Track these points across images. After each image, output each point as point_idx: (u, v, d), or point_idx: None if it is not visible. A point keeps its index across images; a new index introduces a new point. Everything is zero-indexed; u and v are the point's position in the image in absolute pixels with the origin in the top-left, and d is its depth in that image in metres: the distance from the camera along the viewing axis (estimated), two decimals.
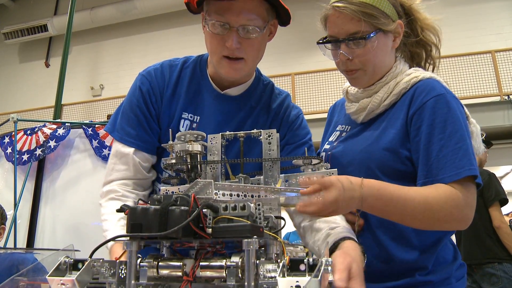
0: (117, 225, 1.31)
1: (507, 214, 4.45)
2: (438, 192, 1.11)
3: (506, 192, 3.76)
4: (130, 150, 1.40)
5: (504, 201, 3.70)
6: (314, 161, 1.17)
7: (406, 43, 1.39)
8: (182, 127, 1.43)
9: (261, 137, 1.22)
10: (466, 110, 1.29)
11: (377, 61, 1.31)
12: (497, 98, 8.15)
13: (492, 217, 3.61)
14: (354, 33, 1.26)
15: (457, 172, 1.13)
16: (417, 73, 1.31)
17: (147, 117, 1.42)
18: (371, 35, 1.26)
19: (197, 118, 1.44)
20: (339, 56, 1.33)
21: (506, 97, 7.99)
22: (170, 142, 1.21)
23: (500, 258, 3.53)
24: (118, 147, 1.42)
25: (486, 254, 3.58)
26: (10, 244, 4.04)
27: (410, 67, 1.38)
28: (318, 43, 1.37)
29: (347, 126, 1.45)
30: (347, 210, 1.09)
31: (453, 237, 5.23)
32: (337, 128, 1.49)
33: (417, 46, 1.40)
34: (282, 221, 1.07)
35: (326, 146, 1.46)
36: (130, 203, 1.31)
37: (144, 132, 1.41)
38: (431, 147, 1.17)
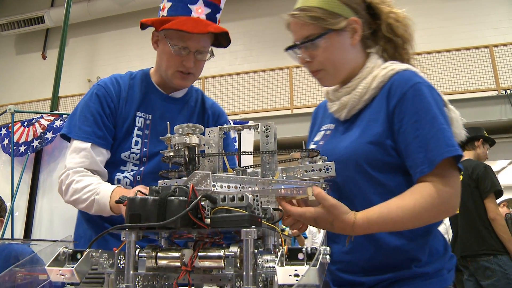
0: (105, 183, 1.53)
1: (499, 204, 4.47)
2: (423, 196, 1.14)
3: (503, 186, 3.78)
4: (87, 145, 1.60)
5: (499, 193, 3.73)
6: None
7: (376, 38, 1.41)
8: (138, 123, 1.71)
9: (258, 129, 1.22)
10: (444, 97, 1.30)
11: (336, 60, 1.36)
12: (495, 93, 8.16)
13: (487, 208, 3.62)
14: (308, 37, 1.33)
15: (446, 151, 1.15)
16: (393, 66, 1.32)
17: (102, 116, 1.66)
18: (321, 36, 1.31)
19: (149, 116, 1.73)
20: (300, 60, 1.40)
21: (504, 92, 7.99)
22: (168, 135, 1.21)
23: (496, 250, 3.54)
24: (76, 144, 1.62)
25: (482, 246, 3.59)
26: (7, 236, 4.04)
27: (385, 62, 1.39)
28: (285, 50, 1.43)
29: (331, 125, 1.47)
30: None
31: (448, 231, 5.21)
32: (322, 128, 1.51)
33: (386, 41, 1.40)
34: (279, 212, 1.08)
35: (312, 146, 1.47)
36: (98, 182, 1.53)
37: (99, 129, 1.64)
38: (415, 134, 1.20)
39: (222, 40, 1.72)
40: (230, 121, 2.68)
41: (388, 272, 1.25)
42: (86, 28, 12.21)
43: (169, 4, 1.62)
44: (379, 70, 1.33)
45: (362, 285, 1.27)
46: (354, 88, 1.35)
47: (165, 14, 1.62)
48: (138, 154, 1.70)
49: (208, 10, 1.61)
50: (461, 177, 3.82)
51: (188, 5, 1.60)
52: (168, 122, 1.31)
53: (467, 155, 4.04)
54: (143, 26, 1.71)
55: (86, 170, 1.58)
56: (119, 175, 1.68)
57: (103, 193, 1.48)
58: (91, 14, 11.78)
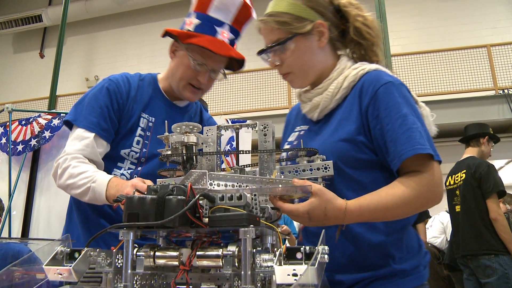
0: (101, 172, 1.55)
1: None
2: (410, 184, 1.17)
3: None
4: (91, 134, 1.63)
5: (502, 193, 3.69)
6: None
7: (346, 41, 1.45)
8: (142, 123, 1.75)
9: (256, 128, 1.22)
10: (414, 95, 1.34)
11: (303, 62, 1.40)
12: (492, 92, 8.17)
13: (489, 208, 3.60)
14: (276, 41, 1.37)
15: (416, 148, 1.17)
16: (364, 66, 1.36)
17: (109, 110, 1.69)
18: (287, 40, 1.35)
19: (152, 119, 1.78)
20: (270, 63, 1.44)
21: (501, 91, 7.99)
22: (166, 133, 1.21)
23: (497, 250, 3.53)
24: (80, 132, 1.64)
25: (483, 246, 3.58)
26: (5, 235, 4.03)
27: (355, 63, 1.42)
28: (257, 54, 1.47)
29: (304, 126, 1.50)
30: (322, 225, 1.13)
31: (446, 230, 5.22)
32: (296, 129, 1.53)
33: (354, 43, 1.44)
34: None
35: (286, 147, 1.49)
36: (95, 170, 1.55)
37: (104, 122, 1.67)
38: (391, 129, 1.22)
39: (234, 64, 1.81)
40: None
41: (367, 271, 1.26)
42: (84, 27, 12.18)
43: (196, 21, 1.68)
44: (350, 70, 1.36)
45: (341, 284, 1.28)
46: (326, 88, 1.38)
47: (191, 29, 1.68)
48: (138, 154, 1.73)
49: (231, 36, 1.70)
50: (464, 175, 3.78)
51: (215, 26, 1.67)
52: (166, 121, 1.31)
53: (471, 151, 4.01)
54: (165, 34, 1.75)
55: (84, 158, 1.60)
56: (116, 171, 1.70)
57: (99, 181, 1.49)
58: (89, 13, 11.75)
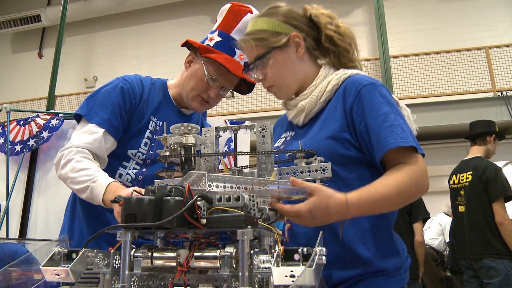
0: (103, 172, 1.56)
1: None
2: (401, 174, 1.22)
3: None
4: (101, 130, 1.66)
5: (509, 198, 3.64)
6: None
7: (321, 49, 1.51)
8: (151, 126, 1.80)
9: (254, 130, 1.22)
10: (395, 97, 1.40)
11: (284, 74, 1.46)
12: (491, 94, 8.18)
13: (495, 213, 3.56)
14: (256, 57, 1.45)
15: (399, 141, 1.23)
16: (346, 71, 1.43)
17: (121, 108, 1.72)
18: (265, 54, 1.43)
19: (160, 123, 1.83)
20: (255, 79, 1.52)
21: (500, 93, 8.01)
22: (164, 134, 1.21)
23: (501, 254, 3.51)
24: (90, 127, 1.66)
25: (487, 249, 3.55)
26: (2, 235, 4.03)
27: (337, 70, 1.49)
28: (242, 72, 1.58)
29: (291, 132, 1.55)
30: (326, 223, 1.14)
31: (444, 232, 5.23)
32: (282, 136, 1.59)
33: (330, 51, 1.50)
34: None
35: None
36: (97, 169, 1.57)
37: (115, 119, 1.70)
38: (373, 125, 1.28)
39: (243, 86, 1.88)
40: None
41: (352, 269, 1.28)
42: (82, 27, 12.18)
43: (218, 39, 1.77)
44: (333, 75, 1.43)
45: (327, 282, 1.30)
46: (310, 94, 1.44)
47: (211, 45, 1.76)
48: (144, 155, 1.78)
49: (246, 59, 1.70)
50: (470, 177, 3.76)
51: (235, 48, 1.75)
52: (164, 122, 1.32)
53: (477, 150, 3.97)
54: (185, 45, 1.82)
55: (90, 154, 1.62)
56: (121, 170, 1.75)
57: (99, 182, 1.50)
58: (87, 13, 11.74)
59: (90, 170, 1.54)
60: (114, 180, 1.53)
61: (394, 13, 9.68)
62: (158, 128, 1.82)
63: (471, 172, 3.80)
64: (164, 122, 1.32)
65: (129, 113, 1.75)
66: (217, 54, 1.72)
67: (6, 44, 13.07)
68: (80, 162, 1.57)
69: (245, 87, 1.88)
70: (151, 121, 1.80)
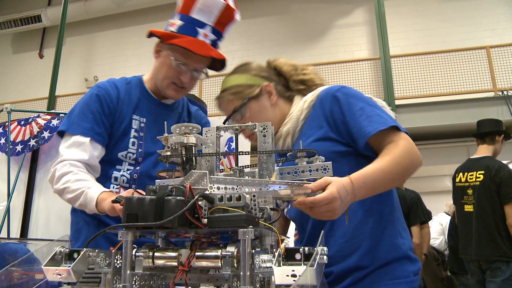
0: (97, 184, 1.60)
1: None
2: (394, 148, 1.30)
3: None
4: (87, 139, 1.70)
5: None
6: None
7: (291, 87, 1.66)
8: (134, 125, 1.82)
9: (255, 129, 1.22)
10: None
11: (263, 119, 1.54)
12: (491, 94, 8.18)
13: (506, 214, 3.52)
14: (234, 110, 1.58)
15: (378, 127, 1.33)
16: (317, 89, 1.55)
17: (101, 115, 1.75)
18: (242, 106, 1.56)
19: (143, 119, 1.86)
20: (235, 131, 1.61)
21: (500, 93, 8.01)
22: (165, 134, 1.21)
23: (509, 256, 3.48)
24: (76, 139, 1.70)
25: (496, 252, 3.53)
26: (4, 235, 4.03)
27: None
28: (222, 125, 1.68)
29: (282, 158, 1.57)
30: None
31: (445, 231, 5.21)
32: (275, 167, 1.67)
33: (299, 87, 1.65)
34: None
35: None
36: (93, 181, 1.62)
37: (98, 126, 1.74)
38: (352, 119, 1.40)
39: (217, 64, 1.88)
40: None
41: (353, 261, 1.36)
42: (83, 27, 12.18)
43: (180, 23, 1.75)
44: (306, 97, 1.56)
45: (330, 274, 1.37)
46: (290, 120, 1.55)
47: (174, 30, 1.74)
48: (135, 154, 1.79)
49: (213, 37, 1.77)
50: (482, 176, 3.72)
51: (197, 27, 1.74)
52: (165, 122, 1.31)
53: (486, 149, 3.92)
54: (150, 35, 1.81)
55: (83, 166, 1.66)
56: (116, 173, 1.77)
57: (94, 189, 1.54)
58: (88, 13, 11.75)
59: (85, 181, 1.59)
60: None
61: (395, 13, 9.68)
62: (142, 125, 1.84)
63: (482, 172, 3.74)
64: (165, 122, 1.32)
65: (109, 118, 1.78)
66: (180, 38, 1.71)
67: (7, 45, 13.08)
68: (76, 174, 1.62)
69: (219, 64, 1.88)
70: (133, 120, 1.82)
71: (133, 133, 1.80)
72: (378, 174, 1.23)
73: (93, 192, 1.53)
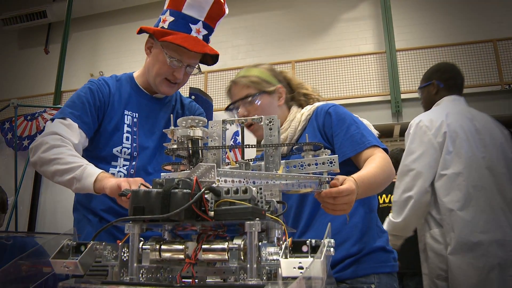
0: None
1: None
2: (378, 160, 1.45)
3: None
4: (75, 124, 1.70)
5: None
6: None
7: (294, 97, 1.84)
8: (127, 121, 1.84)
9: (261, 122, 1.22)
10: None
11: (268, 115, 1.56)
12: (498, 87, 8.13)
13: None
14: (246, 95, 1.70)
15: (357, 149, 1.52)
16: (314, 104, 1.74)
17: (91, 105, 1.77)
18: (256, 95, 1.70)
19: (136, 114, 1.87)
20: (239, 114, 1.74)
21: (507, 86, 7.96)
22: (172, 127, 1.21)
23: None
24: (66, 121, 1.70)
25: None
26: (12, 229, 4.06)
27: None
28: (225, 110, 1.82)
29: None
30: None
31: None
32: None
33: (300, 98, 1.82)
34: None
35: None
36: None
37: (86, 116, 1.74)
38: (339, 135, 1.58)
39: (208, 59, 1.91)
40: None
41: (351, 246, 1.53)
42: (88, 23, 12.19)
43: (171, 19, 1.76)
44: (304, 110, 1.73)
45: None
46: (287, 128, 1.70)
47: (165, 26, 1.76)
48: (129, 149, 1.81)
49: (205, 32, 1.79)
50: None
51: (190, 24, 1.75)
52: (171, 115, 1.31)
53: None
54: (141, 32, 1.84)
55: (73, 148, 1.63)
56: (112, 170, 1.77)
57: (93, 167, 1.53)
58: (93, 9, 11.76)
59: (79, 158, 1.58)
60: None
61: (400, 6, 9.62)
62: (135, 120, 1.86)
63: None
64: (171, 115, 1.32)
65: (100, 111, 1.80)
66: (173, 35, 1.72)
67: (13, 40, 13.12)
68: (71, 150, 1.60)
69: (210, 59, 1.90)
70: (125, 116, 1.84)
71: (126, 128, 1.82)
72: (371, 178, 1.36)
73: (93, 169, 1.52)
